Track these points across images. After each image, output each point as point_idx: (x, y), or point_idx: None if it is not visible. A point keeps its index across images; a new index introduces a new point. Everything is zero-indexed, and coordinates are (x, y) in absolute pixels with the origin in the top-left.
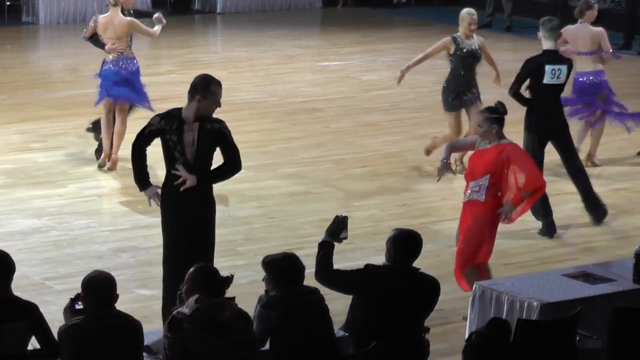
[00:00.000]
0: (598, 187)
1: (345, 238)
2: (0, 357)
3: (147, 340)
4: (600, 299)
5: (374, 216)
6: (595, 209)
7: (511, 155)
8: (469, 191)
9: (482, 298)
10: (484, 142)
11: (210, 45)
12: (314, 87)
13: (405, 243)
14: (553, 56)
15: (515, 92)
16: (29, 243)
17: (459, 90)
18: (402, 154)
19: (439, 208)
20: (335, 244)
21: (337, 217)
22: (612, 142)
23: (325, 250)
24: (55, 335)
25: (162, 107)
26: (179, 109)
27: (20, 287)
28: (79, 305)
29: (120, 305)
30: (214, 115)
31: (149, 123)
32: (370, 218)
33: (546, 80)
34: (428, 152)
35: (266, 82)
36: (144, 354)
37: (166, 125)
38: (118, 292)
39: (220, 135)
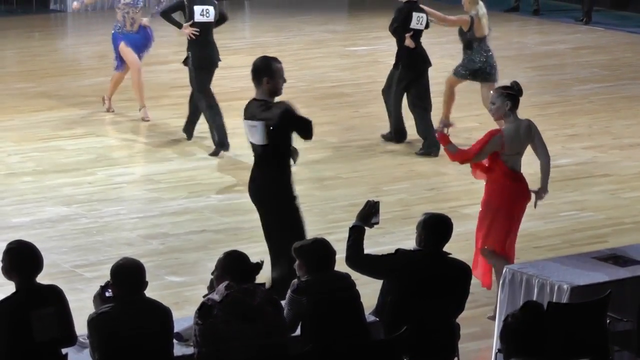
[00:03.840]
0: (631, 169)
1: (377, 223)
2: (33, 344)
3: (178, 327)
4: (630, 281)
5: (403, 200)
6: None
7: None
8: None
9: (512, 281)
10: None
11: (238, 30)
12: (342, 72)
13: (436, 227)
14: (416, 5)
15: (393, 30)
16: (58, 231)
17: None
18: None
19: (469, 191)
20: (366, 228)
21: (368, 201)
22: None
23: (356, 235)
24: (85, 323)
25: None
26: (253, 100)
27: (50, 274)
28: (109, 293)
29: (150, 292)
30: None
31: None
32: (400, 202)
33: (412, 24)
34: None
35: (295, 67)
36: (175, 340)
37: None
38: (148, 279)
39: None
